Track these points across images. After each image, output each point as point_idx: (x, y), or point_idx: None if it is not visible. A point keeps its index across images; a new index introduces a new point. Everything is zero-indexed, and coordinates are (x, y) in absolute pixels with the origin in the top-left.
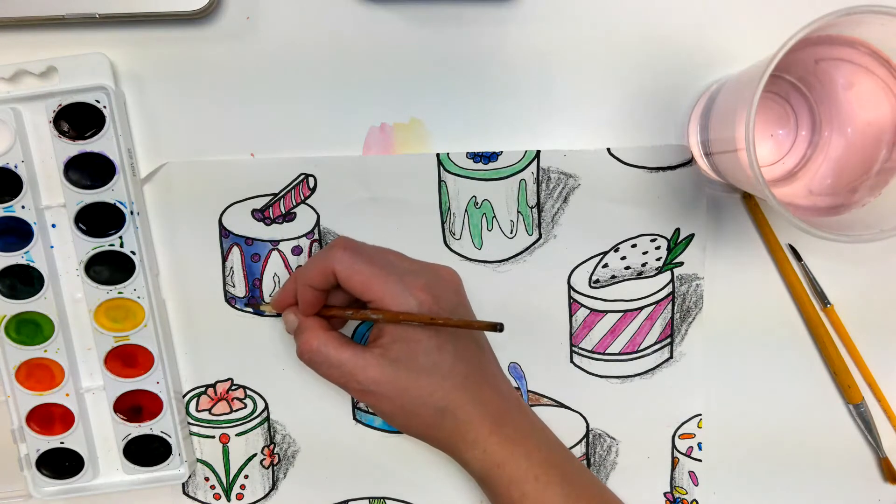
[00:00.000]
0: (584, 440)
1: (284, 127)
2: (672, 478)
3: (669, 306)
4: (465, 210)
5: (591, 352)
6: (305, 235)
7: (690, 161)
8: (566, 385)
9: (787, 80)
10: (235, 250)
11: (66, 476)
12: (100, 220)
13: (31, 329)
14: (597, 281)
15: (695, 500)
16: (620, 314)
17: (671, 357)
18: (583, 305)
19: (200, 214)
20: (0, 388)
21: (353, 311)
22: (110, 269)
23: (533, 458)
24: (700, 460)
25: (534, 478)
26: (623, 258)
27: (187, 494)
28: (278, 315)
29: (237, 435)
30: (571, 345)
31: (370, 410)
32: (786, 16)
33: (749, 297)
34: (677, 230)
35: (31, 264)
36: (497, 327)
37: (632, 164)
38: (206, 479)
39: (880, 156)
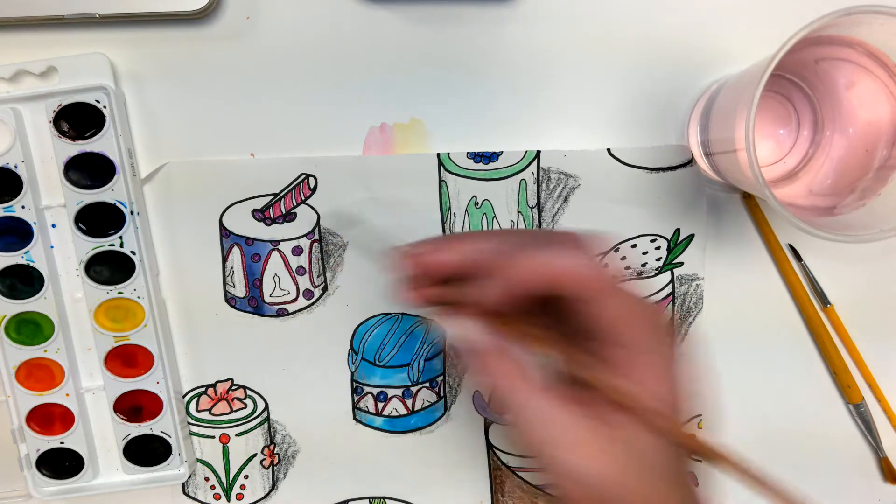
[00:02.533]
0: None
1: (284, 127)
2: None
3: (669, 307)
4: (466, 210)
5: None
6: (306, 236)
7: (690, 161)
8: None
9: (789, 79)
10: (236, 250)
11: (66, 476)
12: (100, 220)
13: (31, 329)
14: None
15: None
16: None
17: None
18: None
19: (201, 214)
20: (0, 388)
21: (586, 369)
22: (110, 269)
23: None
24: (700, 461)
25: None
26: (623, 258)
27: (187, 494)
28: (280, 315)
29: (237, 435)
30: None
31: (370, 410)
32: (786, 16)
33: (749, 297)
34: (677, 230)
35: (31, 264)
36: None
37: (632, 165)
38: (206, 479)
39: (880, 156)
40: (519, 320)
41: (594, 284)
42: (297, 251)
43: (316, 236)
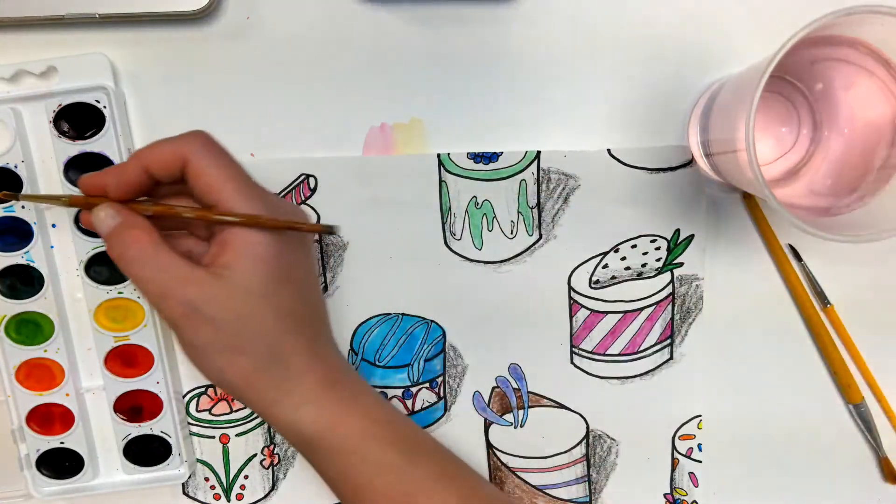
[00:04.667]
0: (584, 441)
1: (284, 127)
2: (672, 479)
3: (669, 307)
4: (466, 210)
5: (591, 353)
6: None
7: (690, 162)
8: (566, 386)
9: (789, 79)
10: None
11: (66, 476)
12: None
13: (31, 329)
14: (597, 282)
15: (695, 501)
16: (620, 315)
17: (671, 358)
18: (583, 306)
19: None
20: (0, 388)
21: (187, 208)
22: (110, 269)
23: (371, 417)
24: (700, 461)
25: (372, 437)
26: (623, 259)
27: (187, 494)
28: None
29: (237, 435)
30: (572, 346)
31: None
32: (786, 16)
33: (749, 298)
34: (677, 231)
35: (32, 264)
36: (332, 230)
37: (632, 165)
38: (206, 479)
39: (880, 156)
40: (162, 202)
41: (197, 155)
42: None
43: (316, 237)
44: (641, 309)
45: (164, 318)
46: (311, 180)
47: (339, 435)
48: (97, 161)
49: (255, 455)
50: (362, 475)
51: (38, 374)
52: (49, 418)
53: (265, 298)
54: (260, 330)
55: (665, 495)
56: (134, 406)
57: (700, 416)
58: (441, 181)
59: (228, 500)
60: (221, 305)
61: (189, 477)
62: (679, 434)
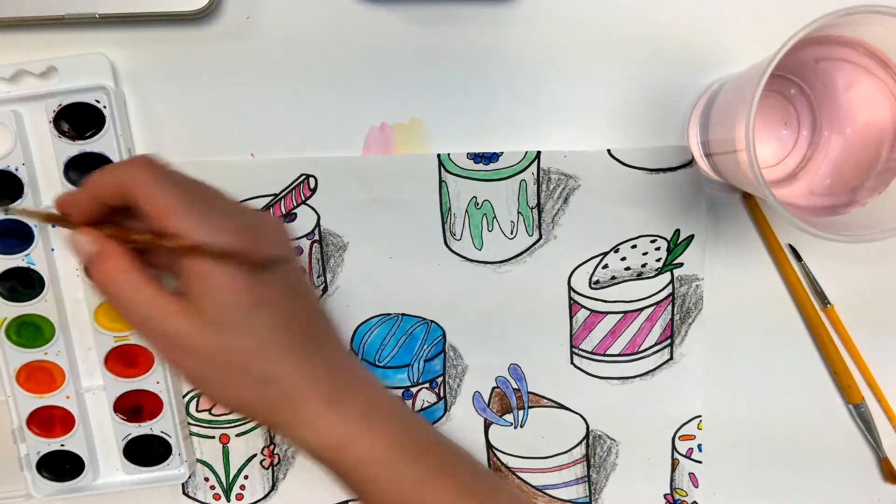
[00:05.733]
0: (584, 441)
1: (284, 127)
2: (672, 479)
3: (669, 307)
4: (466, 210)
5: (591, 353)
6: (306, 236)
7: (690, 162)
8: (566, 386)
9: (790, 79)
10: None
11: (66, 479)
12: None
13: (31, 332)
14: (597, 282)
15: (695, 501)
16: (620, 315)
17: (671, 358)
18: (583, 307)
19: None
20: (0, 389)
21: (144, 234)
22: None
23: (379, 436)
24: (700, 462)
25: (381, 457)
26: (623, 259)
27: (187, 494)
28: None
29: (237, 435)
30: (572, 346)
31: None
32: (786, 16)
33: (749, 298)
34: (677, 231)
35: (32, 267)
36: (274, 260)
37: (632, 165)
38: (206, 479)
39: (880, 156)
40: (117, 226)
41: (137, 183)
42: (297, 252)
43: (316, 237)
44: (641, 309)
45: (153, 349)
46: (311, 180)
47: (347, 457)
48: (97, 161)
49: (255, 455)
50: (374, 495)
51: (39, 376)
52: (49, 421)
53: (239, 329)
54: (244, 360)
55: (665, 495)
56: (134, 406)
57: (700, 416)
58: (441, 181)
59: (228, 500)
60: (200, 337)
61: (189, 477)
62: (679, 434)
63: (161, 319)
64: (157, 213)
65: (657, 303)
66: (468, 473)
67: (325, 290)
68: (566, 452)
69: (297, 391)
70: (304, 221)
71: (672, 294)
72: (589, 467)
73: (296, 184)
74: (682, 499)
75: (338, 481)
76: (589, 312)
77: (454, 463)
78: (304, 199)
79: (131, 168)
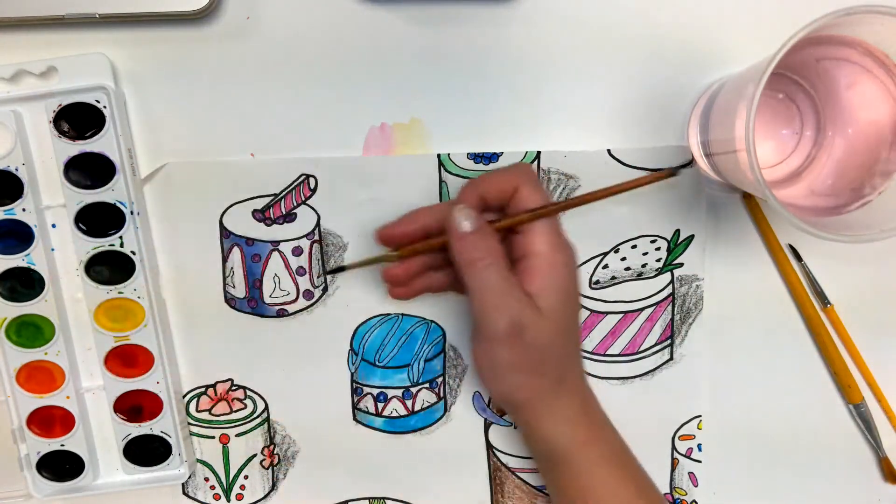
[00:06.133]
0: None
1: (284, 127)
2: (672, 479)
3: (669, 307)
4: None
5: (591, 353)
6: (306, 236)
7: (690, 162)
8: None
9: (793, 79)
10: (236, 251)
11: (66, 479)
12: (100, 220)
13: (31, 332)
14: (597, 282)
15: (694, 500)
16: (621, 315)
17: (671, 358)
18: (583, 307)
19: (201, 214)
20: (0, 389)
21: (526, 212)
22: (110, 269)
23: (607, 448)
24: (700, 461)
25: (607, 466)
26: (623, 259)
27: (187, 495)
28: (280, 315)
29: (237, 435)
30: None
31: (370, 411)
32: (786, 16)
33: (749, 298)
34: (677, 231)
35: (32, 267)
36: (675, 173)
37: (632, 166)
38: (206, 479)
39: (881, 156)
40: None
41: (524, 179)
42: (298, 252)
43: (316, 237)
44: (641, 309)
45: (483, 330)
46: (311, 180)
47: (584, 455)
48: (97, 161)
49: (254, 455)
50: (592, 494)
51: (39, 376)
52: (49, 421)
53: (566, 325)
54: (560, 353)
55: (665, 495)
56: (134, 406)
57: (700, 416)
58: (441, 181)
59: (228, 501)
60: (538, 330)
61: (189, 477)
62: (679, 434)
63: (519, 306)
64: (536, 200)
65: (657, 303)
66: (656, 497)
67: (325, 290)
68: None
69: (572, 388)
70: (304, 221)
71: (672, 294)
72: None
73: (296, 184)
74: (682, 498)
75: (559, 475)
76: (589, 312)
77: (652, 486)
78: (304, 199)
79: (520, 169)
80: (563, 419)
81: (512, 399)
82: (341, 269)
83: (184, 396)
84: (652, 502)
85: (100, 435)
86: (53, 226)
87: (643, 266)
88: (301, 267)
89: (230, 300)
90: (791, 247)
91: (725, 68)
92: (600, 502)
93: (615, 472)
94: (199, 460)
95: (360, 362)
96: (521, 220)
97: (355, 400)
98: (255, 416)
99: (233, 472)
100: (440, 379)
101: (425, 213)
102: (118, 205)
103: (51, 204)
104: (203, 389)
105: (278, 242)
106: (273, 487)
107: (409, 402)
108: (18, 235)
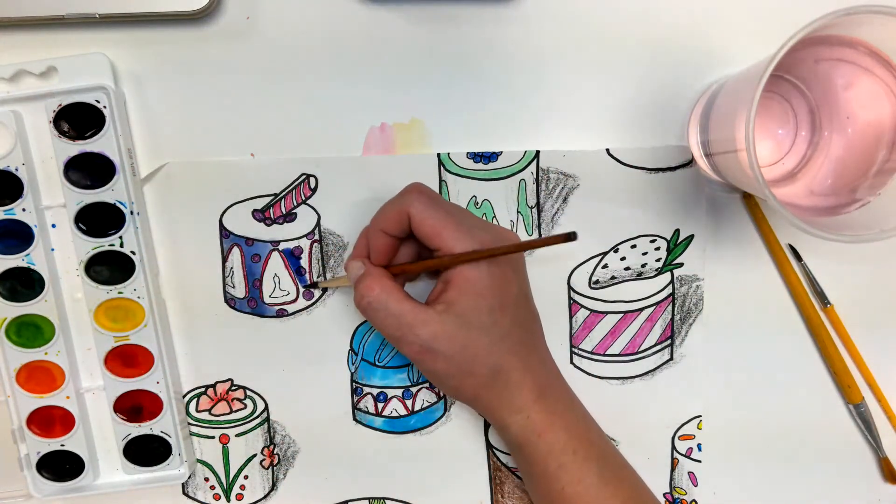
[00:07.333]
0: None
1: (284, 127)
2: (672, 478)
3: (669, 307)
4: None
5: (591, 353)
6: (306, 236)
7: (690, 162)
8: None
9: (788, 79)
10: (235, 251)
11: (66, 479)
12: (100, 220)
13: (31, 332)
14: (596, 282)
15: (694, 500)
16: (620, 315)
17: (671, 358)
18: (583, 306)
19: (200, 215)
20: (0, 389)
21: (418, 263)
22: (110, 269)
23: (572, 432)
24: (700, 461)
25: (572, 451)
26: (623, 259)
27: (187, 494)
28: (279, 315)
29: (237, 435)
30: (571, 346)
31: (370, 410)
32: (786, 16)
33: (749, 298)
34: (677, 231)
35: (32, 267)
36: (571, 237)
37: (631, 165)
38: (206, 479)
39: (880, 156)
40: (395, 266)
41: (415, 210)
42: (298, 252)
43: (316, 237)
44: (641, 309)
45: (404, 354)
46: (312, 180)
47: (544, 442)
48: (97, 161)
49: (254, 455)
50: (558, 482)
51: (39, 376)
52: (49, 421)
53: (485, 328)
54: (482, 354)
55: (665, 495)
56: (134, 406)
57: (700, 416)
58: (441, 181)
59: (228, 501)
60: (449, 340)
61: (189, 477)
62: (679, 434)
63: (416, 328)
64: (431, 232)
65: (657, 303)
66: (634, 487)
67: (324, 290)
68: None
69: (517, 381)
70: (304, 221)
71: (672, 294)
72: None
73: (296, 184)
74: (682, 498)
75: (523, 463)
76: (589, 312)
77: (630, 473)
78: (304, 199)
79: (409, 196)
80: (514, 409)
81: (460, 399)
82: (314, 285)
83: (184, 396)
84: (618, 487)
85: (100, 435)
86: (53, 226)
87: (643, 266)
88: (301, 267)
89: (230, 300)
90: (791, 247)
91: (725, 68)
92: (566, 487)
93: (576, 457)
94: (199, 460)
95: (359, 362)
96: (413, 269)
97: (355, 400)
98: (254, 416)
99: (233, 472)
100: None
101: (364, 237)
102: (118, 205)
103: (51, 204)
104: (203, 389)
105: (278, 242)
106: (273, 487)
107: (408, 402)
108: (18, 235)
